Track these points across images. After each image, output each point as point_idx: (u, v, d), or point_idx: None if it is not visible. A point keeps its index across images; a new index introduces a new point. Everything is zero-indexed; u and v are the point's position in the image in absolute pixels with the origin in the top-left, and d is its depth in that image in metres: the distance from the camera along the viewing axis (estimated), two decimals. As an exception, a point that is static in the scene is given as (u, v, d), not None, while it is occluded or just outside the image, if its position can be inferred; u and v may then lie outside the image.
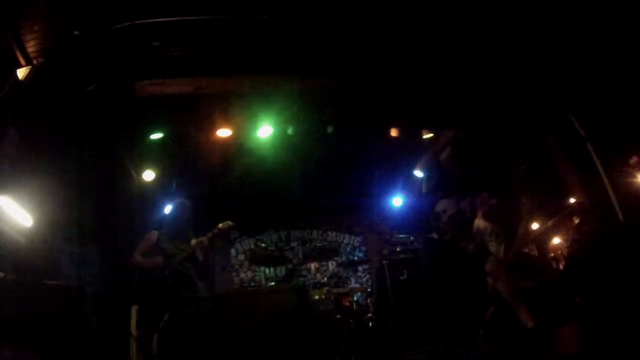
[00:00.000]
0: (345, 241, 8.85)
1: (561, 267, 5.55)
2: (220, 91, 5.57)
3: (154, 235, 4.38)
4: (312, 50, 5.02)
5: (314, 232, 8.81)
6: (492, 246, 4.80)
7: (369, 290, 7.00)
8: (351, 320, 5.70)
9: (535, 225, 5.77)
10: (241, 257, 8.43)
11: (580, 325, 3.79)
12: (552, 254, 5.85)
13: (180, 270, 4.37)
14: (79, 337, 3.79)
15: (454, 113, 5.95)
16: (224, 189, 7.43)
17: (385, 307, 6.18)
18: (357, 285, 7.99)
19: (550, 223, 5.46)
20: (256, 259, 8.13)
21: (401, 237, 7.00)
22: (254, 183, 7.35)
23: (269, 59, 5.08)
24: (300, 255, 8.49)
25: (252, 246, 8.53)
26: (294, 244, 8.65)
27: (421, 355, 5.04)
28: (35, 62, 4.31)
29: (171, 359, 4.54)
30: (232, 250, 8.43)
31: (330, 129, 6.36)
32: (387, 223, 8.20)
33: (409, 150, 6.89)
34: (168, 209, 5.09)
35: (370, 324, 5.84)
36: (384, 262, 6.57)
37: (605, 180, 5.16)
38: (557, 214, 5.49)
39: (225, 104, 5.84)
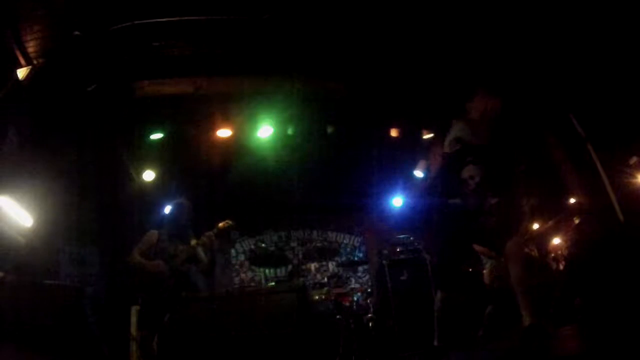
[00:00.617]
0: (345, 241, 8.84)
1: (561, 267, 5.56)
2: (220, 91, 5.57)
3: (153, 235, 4.36)
4: (312, 51, 5.02)
5: (314, 232, 8.81)
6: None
7: (369, 290, 6.99)
8: (351, 320, 5.70)
9: (535, 225, 5.78)
10: (241, 257, 8.43)
11: (580, 325, 3.79)
12: (552, 254, 5.85)
13: (181, 270, 4.35)
14: (79, 337, 3.79)
15: (454, 113, 5.94)
16: (224, 189, 7.42)
17: (385, 307, 6.18)
18: (357, 286, 7.98)
19: (550, 223, 5.47)
20: (256, 259, 8.12)
21: (401, 237, 7.00)
22: (254, 183, 7.35)
23: (269, 59, 5.08)
24: (300, 256, 8.49)
25: (252, 246, 8.53)
26: (294, 244, 8.64)
27: (421, 355, 5.04)
28: (35, 62, 4.31)
29: (171, 359, 4.54)
30: (232, 251, 8.42)
31: (330, 129, 6.36)
32: (387, 223, 8.20)
33: (409, 150, 6.89)
34: (168, 209, 5.08)
35: (370, 324, 5.83)
36: (384, 262, 6.57)
37: (605, 180, 5.16)
38: (557, 214, 5.50)
39: (225, 104, 5.84)
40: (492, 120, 3.41)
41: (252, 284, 8.03)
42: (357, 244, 8.84)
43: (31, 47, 4.24)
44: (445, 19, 4.62)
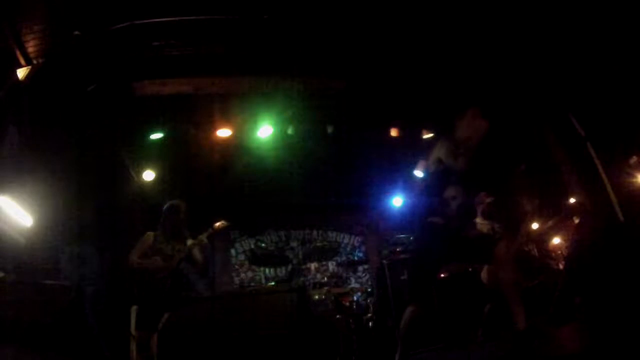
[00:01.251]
0: (345, 241, 8.84)
1: (561, 267, 5.55)
2: (220, 91, 5.57)
3: (149, 236, 4.37)
4: (312, 50, 5.02)
5: (314, 232, 8.81)
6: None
7: (369, 290, 6.99)
8: (351, 320, 5.70)
9: (535, 225, 5.77)
10: (241, 257, 8.42)
11: (580, 325, 3.80)
12: (552, 254, 5.85)
13: (179, 270, 4.36)
14: (79, 337, 3.80)
15: (454, 113, 5.94)
16: (224, 189, 7.42)
17: (385, 307, 6.18)
18: (357, 285, 7.99)
19: (550, 223, 5.46)
20: (256, 259, 8.13)
21: (401, 237, 6.99)
22: (253, 183, 7.35)
23: (269, 59, 5.08)
24: (300, 255, 8.48)
25: (252, 246, 8.53)
26: (294, 244, 8.64)
27: (421, 355, 5.04)
28: (35, 62, 4.32)
29: (171, 359, 4.54)
30: (232, 250, 8.42)
31: (330, 129, 6.36)
32: (387, 223, 8.20)
33: (409, 150, 6.89)
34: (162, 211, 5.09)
35: (370, 324, 5.83)
36: (384, 262, 6.57)
37: (605, 180, 5.16)
38: (557, 214, 5.50)
39: (225, 104, 5.84)
40: (475, 144, 3.42)
41: (252, 284, 8.03)
42: (357, 244, 8.84)
43: (31, 47, 4.24)
44: (445, 19, 4.62)
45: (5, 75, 4.17)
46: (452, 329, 4.99)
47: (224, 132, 6.10)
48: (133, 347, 4.59)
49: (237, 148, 6.50)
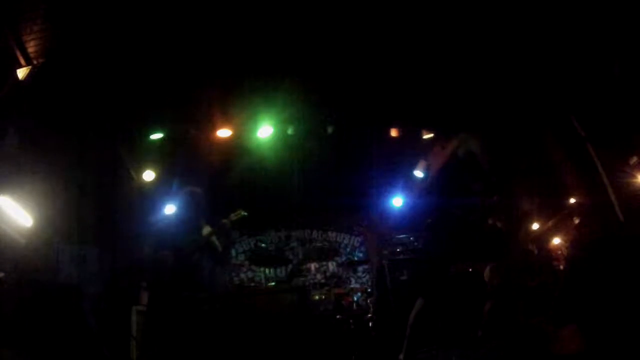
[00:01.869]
0: (345, 241, 8.84)
1: (561, 267, 5.55)
2: (220, 91, 5.57)
3: (160, 228, 4.32)
4: (312, 50, 5.02)
5: (314, 232, 8.81)
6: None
7: (369, 290, 6.99)
8: (351, 320, 5.70)
9: (535, 225, 5.77)
10: (241, 257, 8.42)
11: (580, 325, 3.79)
12: (552, 254, 5.85)
13: (190, 260, 4.25)
14: (79, 337, 3.79)
15: (453, 113, 5.95)
16: (224, 189, 7.42)
17: (385, 307, 6.18)
18: (357, 286, 7.98)
19: (550, 223, 5.46)
20: (256, 259, 8.12)
21: (401, 237, 7.00)
22: (254, 183, 7.35)
23: (269, 59, 5.08)
24: (300, 255, 8.48)
25: (252, 246, 8.53)
26: (294, 244, 8.64)
27: (421, 355, 5.04)
28: (35, 62, 4.31)
29: (171, 359, 4.53)
30: (232, 250, 8.42)
31: (330, 129, 6.36)
32: (387, 223, 8.20)
33: (409, 150, 6.89)
34: (178, 198, 5.01)
35: (370, 324, 5.83)
36: (384, 262, 6.57)
37: (605, 180, 5.16)
38: (557, 214, 5.49)
39: (225, 104, 5.84)
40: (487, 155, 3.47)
41: (252, 284, 8.03)
42: (357, 244, 8.83)
43: (31, 47, 4.24)
44: (446, 19, 4.62)
45: (5, 75, 4.17)
46: (452, 328, 4.99)
47: (224, 132, 6.11)
48: (133, 347, 4.60)
49: (237, 148, 6.50)
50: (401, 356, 3.35)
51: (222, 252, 4.44)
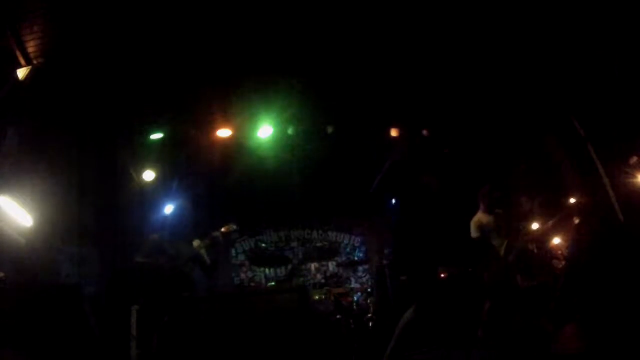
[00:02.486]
0: (345, 241, 8.84)
1: (561, 267, 5.55)
2: (220, 91, 5.57)
3: (154, 237, 4.38)
4: (312, 51, 5.02)
5: (314, 232, 8.81)
6: (495, 241, 4.82)
7: (369, 290, 6.99)
8: (351, 320, 5.69)
9: (535, 225, 5.76)
10: (241, 257, 8.42)
11: (580, 325, 3.79)
12: (552, 254, 5.84)
13: (183, 270, 4.35)
14: (79, 337, 3.79)
15: (454, 113, 5.96)
16: (224, 189, 7.42)
17: (385, 307, 6.17)
18: (357, 285, 7.98)
19: (550, 223, 5.45)
20: (256, 259, 8.12)
21: (401, 237, 6.99)
22: (254, 183, 7.35)
23: (268, 59, 5.08)
24: (300, 255, 8.48)
25: (252, 246, 8.53)
26: (294, 244, 8.64)
27: (421, 356, 5.04)
28: (35, 62, 4.32)
29: (171, 359, 4.53)
30: (232, 250, 8.42)
31: (330, 129, 6.36)
32: (387, 223, 8.19)
33: (409, 150, 6.89)
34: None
35: (370, 324, 5.83)
36: (384, 262, 6.57)
37: (605, 180, 5.16)
38: (557, 214, 5.49)
39: (225, 104, 5.84)
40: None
41: (252, 284, 8.03)
42: (357, 244, 8.83)
43: (31, 47, 4.24)
44: (446, 20, 4.62)
45: (5, 75, 4.17)
46: (452, 328, 4.99)
47: (224, 132, 6.10)
48: (133, 347, 4.59)
49: (237, 148, 6.50)
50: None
51: (210, 265, 4.49)
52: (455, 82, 5.51)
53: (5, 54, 4.12)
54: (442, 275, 5.44)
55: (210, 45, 4.82)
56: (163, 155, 6.39)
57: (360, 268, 8.44)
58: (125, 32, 4.40)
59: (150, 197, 6.61)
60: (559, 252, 5.75)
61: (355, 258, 8.70)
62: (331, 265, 8.47)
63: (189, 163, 6.78)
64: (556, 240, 5.89)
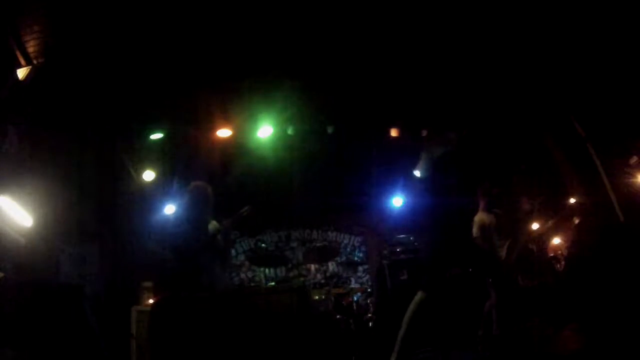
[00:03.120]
0: (345, 241, 8.84)
1: (561, 267, 5.55)
2: (220, 91, 5.57)
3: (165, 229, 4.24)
4: (312, 51, 5.02)
5: (314, 232, 8.81)
6: (496, 241, 4.82)
7: (369, 290, 6.99)
8: (351, 320, 5.69)
9: (535, 225, 5.77)
10: (241, 257, 8.42)
11: (580, 325, 3.79)
12: (552, 254, 5.85)
13: (198, 263, 4.18)
14: (79, 337, 3.79)
15: (454, 114, 5.95)
16: (224, 189, 7.42)
17: (385, 307, 6.18)
18: (357, 286, 7.98)
19: (550, 223, 5.46)
20: (256, 259, 8.11)
21: (401, 237, 6.99)
22: (254, 183, 7.35)
23: (269, 59, 5.08)
24: (300, 256, 8.47)
25: (252, 246, 8.53)
26: (294, 244, 8.64)
27: (421, 356, 5.04)
28: (35, 62, 4.31)
29: (170, 358, 4.53)
30: (232, 250, 8.41)
31: (330, 129, 6.36)
32: (387, 223, 8.19)
33: (409, 150, 6.88)
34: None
35: (370, 324, 5.83)
36: (384, 262, 6.57)
37: (605, 180, 5.16)
38: (557, 214, 5.50)
39: (225, 104, 5.84)
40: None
41: (252, 284, 8.03)
42: (357, 244, 8.83)
43: (31, 47, 4.24)
44: (446, 20, 4.62)
45: (5, 75, 4.17)
46: (452, 328, 4.99)
47: (224, 132, 6.10)
48: (133, 346, 4.59)
49: (237, 148, 6.50)
50: (392, 359, 3.32)
51: (224, 251, 4.38)
52: (455, 83, 5.51)
53: (5, 54, 4.12)
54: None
55: (211, 45, 4.82)
56: (163, 155, 6.39)
57: (360, 268, 8.45)
58: (125, 32, 4.40)
59: (150, 197, 6.61)
60: (559, 252, 5.76)
61: (356, 258, 8.70)
62: (331, 265, 8.47)
63: (189, 163, 6.78)
64: (556, 240, 5.90)
